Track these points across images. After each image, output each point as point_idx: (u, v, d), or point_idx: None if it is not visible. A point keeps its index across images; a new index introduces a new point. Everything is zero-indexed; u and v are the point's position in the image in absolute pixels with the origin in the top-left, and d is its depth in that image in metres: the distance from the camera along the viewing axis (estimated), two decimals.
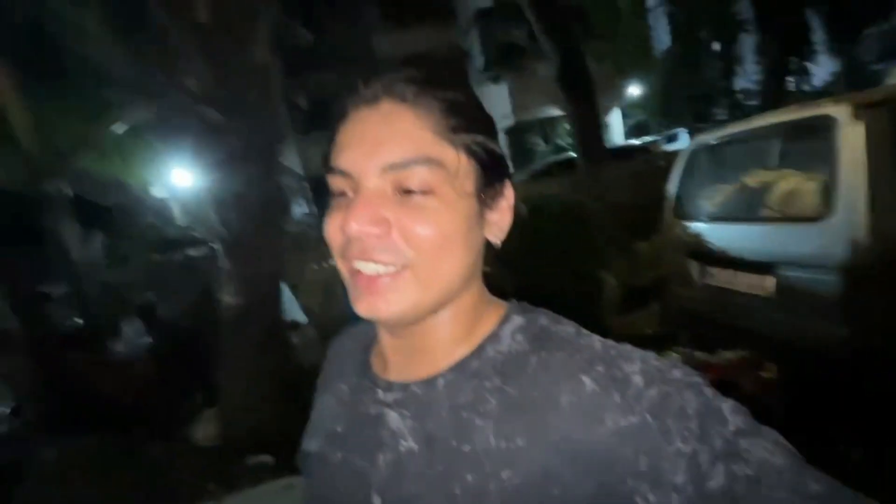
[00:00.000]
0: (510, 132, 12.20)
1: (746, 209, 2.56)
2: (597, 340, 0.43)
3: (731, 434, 0.36)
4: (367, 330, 0.55)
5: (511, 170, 0.48)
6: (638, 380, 0.38)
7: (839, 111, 2.05)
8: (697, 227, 2.83)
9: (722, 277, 2.59)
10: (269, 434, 2.26)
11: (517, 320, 0.46)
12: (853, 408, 1.83)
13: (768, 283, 2.26)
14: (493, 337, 0.45)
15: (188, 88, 2.06)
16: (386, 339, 0.49)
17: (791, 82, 9.44)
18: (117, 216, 5.37)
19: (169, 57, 2.28)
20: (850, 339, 1.88)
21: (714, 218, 2.76)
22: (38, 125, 3.25)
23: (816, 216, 2.09)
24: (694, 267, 2.78)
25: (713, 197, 2.84)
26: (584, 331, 0.44)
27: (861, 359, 1.86)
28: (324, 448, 0.51)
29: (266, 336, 2.42)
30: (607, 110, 11.07)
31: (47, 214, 3.21)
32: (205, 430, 2.83)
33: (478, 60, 12.25)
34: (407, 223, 0.40)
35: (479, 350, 0.45)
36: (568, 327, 0.45)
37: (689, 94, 10.01)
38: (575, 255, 4.02)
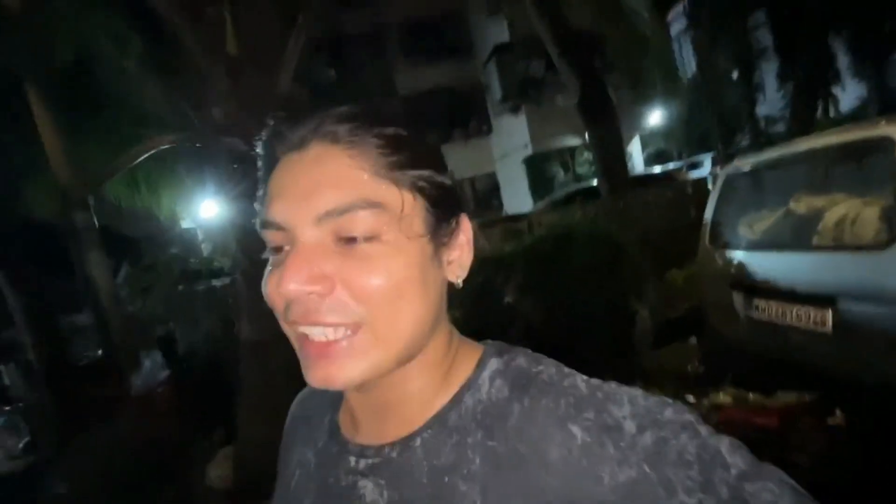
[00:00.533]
0: (529, 162, 12.23)
1: (794, 237, 2.40)
2: (580, 381, 0.40)
3: (735, 479, 0.34)
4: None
5: (467, 206, 0.44)
6: (630, 426, 0.36)
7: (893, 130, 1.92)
8: (739, 255, 2.66)
9: (770, 310, 2.39)
10: None
11: (494, 363, 0.42)
12: None
13: (825, 316, 2.07)
14: (471, 384, 0.42)
15: (214, 119, 2.07)
16: (353, 397, 0.45)
17: (817, 108, 9.27)
18: (144, 247, 5.47)
19: (198, 89, 2.30)
20: None
21: (757, 246, 2.59)
22: (70, 157, 3.34)
23: (878, 244, 1.92)
24: (737, 298, 2.59)
25: (755, 224, 2.68)
26: (566, 369, 0.41)
27: None
28: None
29: (283, 374, 2.32)
30: (627, 139, 11.04)
31: (75, 245, 3.26)
32: (219, 470, 2.70)
33: (496, 93, 12.47)
34: (352, 276, 0.36)
35: (457, 400, 0.41)
36: (549, 368, 0.41)
37: (712, 121, 9.92)
38: (604, 285, 3.87)
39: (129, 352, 3.48)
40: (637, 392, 0.39)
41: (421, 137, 0.41)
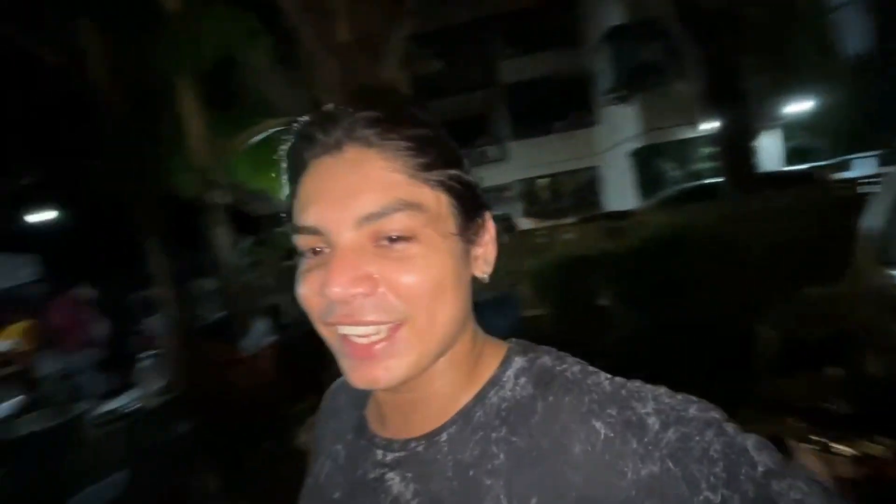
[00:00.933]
0: (637, 155, 11.28)
1: None
2: (605, 379, 0.40)
3: (762, 476, 0.33)
4: None
5: (489, 204, 0.44)
6: (654, 422, 0.36)
7: None
8: None
9: None
10: None
11: (519, 361, 0.43)
12: None
13: None
14: (495, 381, 0.43)
15: (322, 104, 2.17)
16: (381, 394, 0.46)
17: None
18: (261, 224, 6.10)
19: (311, 77, 2.43)
20: None
21: None
22: (206, 142, 3.81)
23: None
24: None
25: None
26: (591, 368, 0.42)
27: None
28: None
29: None
30: (763, 131, 9.56)
31: (207, 219, 3.73)
32: (307, 437, 2.90)
33: (605, 80, 11.65)
34: (393, 275, 0.37)
35: (481, 397, 0.42)
36: (573, 366, 0.42)
37: (877, 114, 8.16)
38: (720, 297, 3.40)
39: (241, 316, 3.91)
40: (662, 390, 0.38)
41: (445, 137, 0.41)
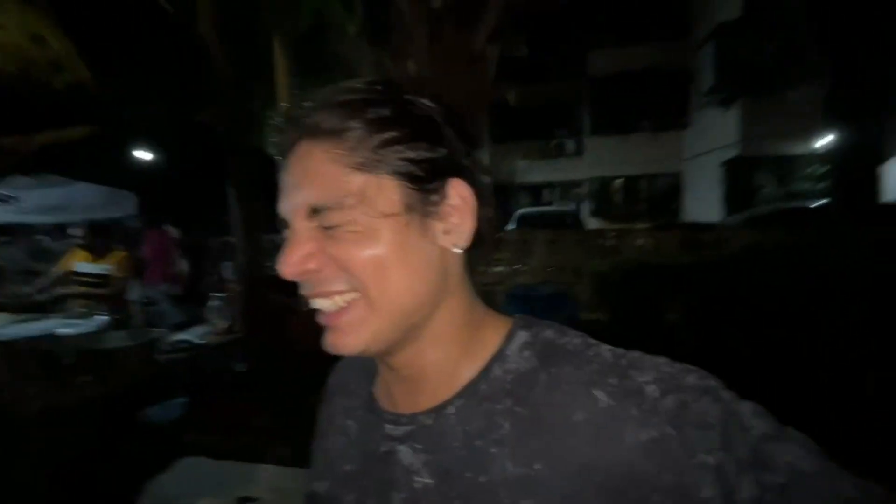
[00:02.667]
0: (731, 165, 10.30)
1: None
2: (606, 350, 0.41)
3: (756, 440, 0.35)
4: (366, 360, 0.52)
5: (463, 170, 0.43)
6: (653, 389, 0.37)
7: None
8: None
9: None
10: None
11: (522, 335, 0.44)
12: None
13: None
14: (500, 356, 0.44)
15: (408, 72, 2.14)
16: (384, 370, 0.48)
17: None
18: None
19: (400, 42, 2.40)
20: None
21: None
22: (295, 102, 3.96)
23: None
24: None
25: None
26: (593, 341, 0.43)
27: None
28: (334, 490, 0.49)
29: None
30: (890, 154, 8.34)
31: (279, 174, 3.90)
32: None
33: (707, 80, 10.67)
34: (337, 253, 0.40)
35: (486, 371, 0.43)
36: (575, 339, 0.43)
37: None
38: (813, 330, 3.01)
39: None
40: (661, 360, 0.39)
41: (406, 111, 0.41)
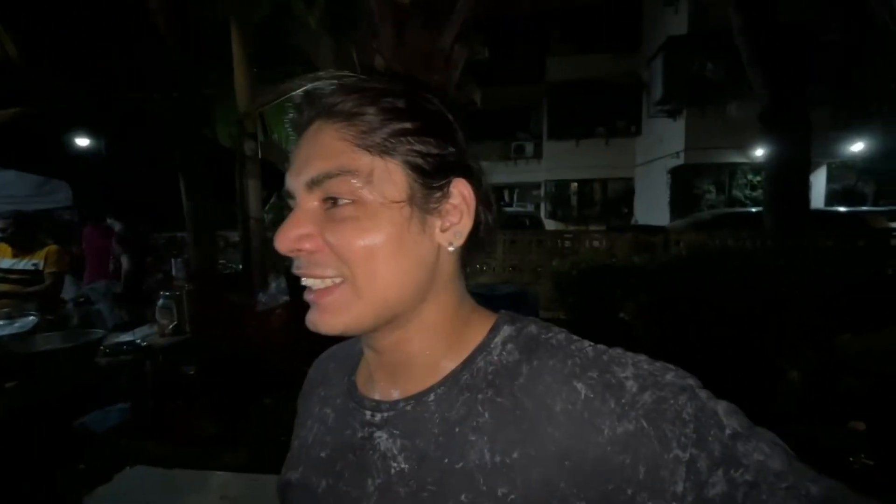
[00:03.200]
0: (677, 173, 10.93)
1: None
2: (588, 345, 0.42)
3: (729, 438, 0.36)
4: (351, 349, 0.54)
5: (470, 172, 0.45)
6: (632, 384, 0.38)
7: None
8: None
9: None
10: None
11: (507, 330, 0.45)
12: None
13: None
14: (483, 347, 0.44)
15: (375, 68, 2.11)
16: (368, 356, 0.48)
17: None
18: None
19: (366, 38, 2.36)
20: None
21: None
22: (250, 94, 3.80)
23: None
24: None
25: None
26: (576, 337, 0.44)
27: None
28: (307, 477, 0.48)
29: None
30: (813, 167, 9.11)
31: (240, 171, 3.73)
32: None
33: (657, 91, 11.26)
34: (332, 236, 0.41)
35: (469, 362, 0.44)
36: (558, 334, 0.44)
37: None
38: (748, 330, 3.25)
39: (261, 272, 3.92)
40: (642, 357, 0.40)
41: (421, 107, 0.42)
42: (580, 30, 13.20)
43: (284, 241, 0.41)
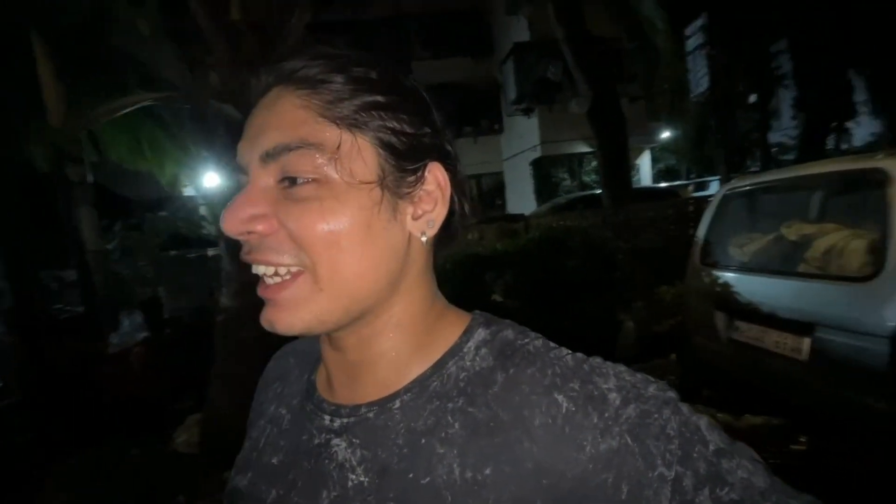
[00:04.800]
0: (536, 164, 12.19)
1: (782, 262, 2.38)
2: (567, 354, 0.39)
3: (713, 454, 0.34)
4: (310, 347, 0.49)
5: (445, 155, 0.41)
6: (615, 397, 0.36)
7: (888, 164, 1.90)
8: (726, 276, 2.65)
9: (750, 333, 2.38)
10: None
11: (481, 333, 0.41)
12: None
13: (803, 344, 2.06)
14: (455, 352, 0.41)
15: (210, 83, 2.06)
16: (329, 355, 0.43)
17: (830, 140, 9.23)
18: (138, 208, 5.46)
19: (199, 53, 2.28)
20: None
21: (745, 268, 2.57)
22: (68, 111, 3.33)
23: (863, 276, 1.90)
24: (720, 319, 2.58)
25: (745, 246, 2.66)
26: (553, 344, 0.41)
27: None
28: (256, 484, 0.44)
29: (256, 346, 2.32)
30: (638, 152, 10.92)
31: (65, 199, 3.25)
32: (186, 436, 2.71)
33: (511, 92, 12.40)
34: (290, 218, 0.36)
35: (440, 366, 0.40)
36: (535, 340, 0.41)
37: (721, 144, 9.86)
38: (594, 293, 3.86)
39: (110, 311, 3.48)
40: (622, 368, 0.38)
41: (395, 82, 0.39)
42: (438, 36, 13.91)
43: (233, 221, 0.36)
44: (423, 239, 0.40)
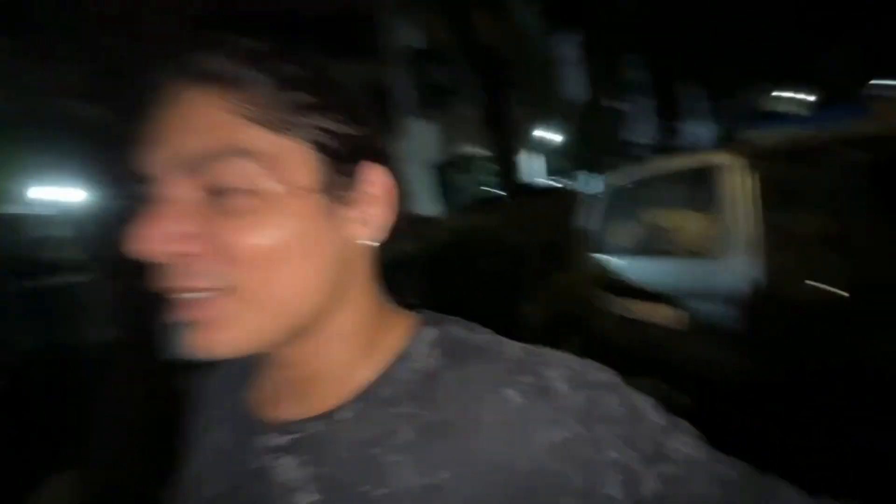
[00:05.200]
0: (438, 168, 12.50)
1: (658, 245, 2.75)
2: (516, 347, 0.39)
3: (658, 433, 0.35)
4: (233, 365, 0.45)
5: (384, 156, 0.39)
6: (563, 387, 0.35)
7: (722, 159, 2.30)
8: (608, 259, 3.01)
9: (637, 310, 2.71)
10: None
11: (429, 333, 0.40)
12: (757, 437, 1.92)
13: (680, 315, 2.40)
14: (404, 355, 0.38)
15: (61, 81, 1.75)
16: (269, 370, 0.41)
17: (675, 139, 11.00)
18: None
19: (47, 45, 1.94)
20: (750, 370, 2.01)
21: (627, 253, 2.94)
22: None
23: (716, 254, 2.27)
24: (610, 299, 2.90)
25: (625, 234, 3.04)
26: (500, 337, 0.40)
27: (761, 389, 1.98)
28: None
29: (148, 380, 2.03)
30: (532, 152, 11.75)
31: None
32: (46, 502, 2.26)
33: (408, 98, 12.54)
34: (221, 235, 0.32)
35: (388, 372, 0.38)
36: (484, 335, 0.40)
37: (596, 144, 11.16)
38: (499, 285, 4.07)
39: None
40: (568, 356, 0.38)
41: (329, 79, 0.36)
42: (328, 39, 13.55)
43: (155, 240, 0.31)
44: (368, 244, 0.38)
